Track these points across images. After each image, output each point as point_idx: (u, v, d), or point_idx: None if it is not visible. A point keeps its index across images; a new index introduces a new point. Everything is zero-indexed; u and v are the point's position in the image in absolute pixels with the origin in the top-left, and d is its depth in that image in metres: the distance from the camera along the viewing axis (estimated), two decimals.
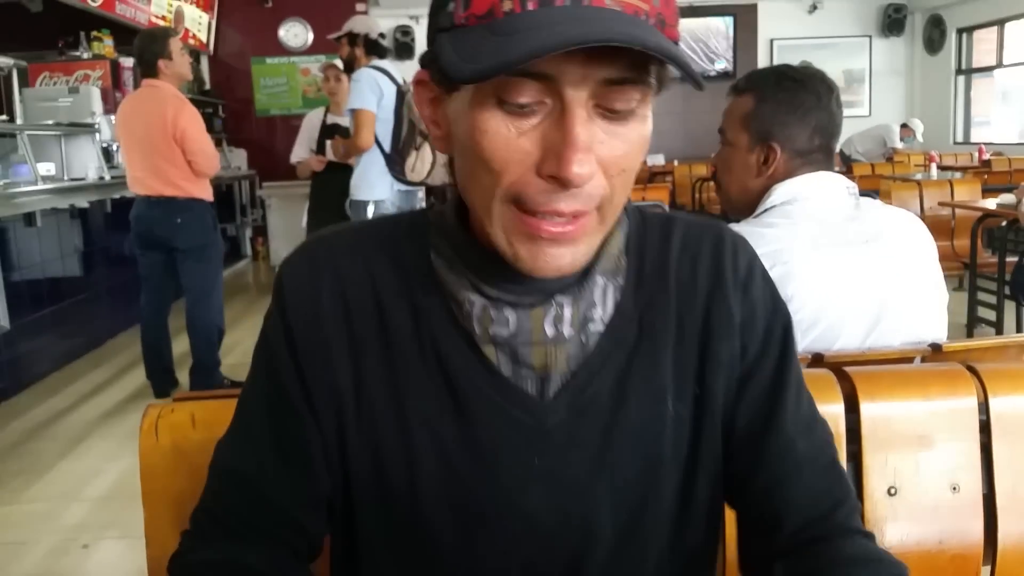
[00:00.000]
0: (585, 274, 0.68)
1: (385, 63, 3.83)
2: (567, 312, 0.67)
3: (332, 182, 4.34)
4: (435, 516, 0.69)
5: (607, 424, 0.69)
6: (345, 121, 4.14)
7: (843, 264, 1.34)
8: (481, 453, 0.68)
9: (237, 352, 4.69)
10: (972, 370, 1.08)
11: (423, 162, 3.77)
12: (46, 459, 3.32)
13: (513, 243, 0.61)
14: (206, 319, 3.91)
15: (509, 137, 0.58)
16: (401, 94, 3.74)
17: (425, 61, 0.65)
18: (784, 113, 1.40)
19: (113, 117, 5.34)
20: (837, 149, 1.50)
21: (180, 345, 4.13)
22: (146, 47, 3.67)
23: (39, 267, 4.45)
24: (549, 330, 0.67)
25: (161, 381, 3.99)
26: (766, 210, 1.41)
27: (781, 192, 1.40)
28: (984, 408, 1.06)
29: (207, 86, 8.55)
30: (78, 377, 4.48)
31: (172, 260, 3.85)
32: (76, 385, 4.33)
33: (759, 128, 1.42)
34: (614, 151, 0.59)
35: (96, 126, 5.25)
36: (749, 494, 0.73)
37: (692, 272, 0.73)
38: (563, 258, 0.61)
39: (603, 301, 0.69)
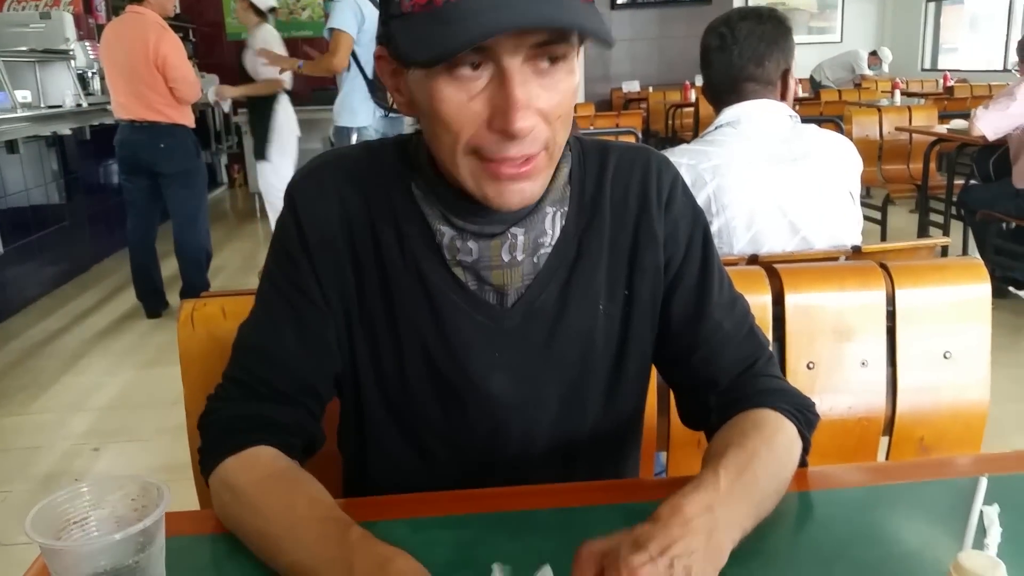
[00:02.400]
0: (536, 206, 0.83)
1: None
2: (520, 240, 0.82)
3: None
4: (420, 397, 0.88)
5: (552, 325, 0.86)
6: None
7: (772, 179, 1.55)
8: (454, 350, 0.85)
9: (223, 276, 4.81)
10: (884, 267, 1.26)
11: None
12: (48, 375, 3.46)
13: (481, 186, 0.75)
14: (194, 243, 4.03)
15: (461, 102, 0.71)
16: None
17: (382, 39, 0.77)
18: (703, 53, 1.66)
19: (87, 44, 5.33)
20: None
21: (167, 268, 4.25)
22: None
23: (23, 195, 4.49)
24: (505, 256, 0.82)
25: (152, 302, 4.13)
26: (717, 127, 1.60)
27: (728, 114, 1.61)
28: (891, 300, 1.24)
29: (177, 10, 8.39)
30: (68, 300, 4.58)
31: (157, 185, 3.94)
32: (67, 308, 4.44)
33: None
34: (551, 102, 0.72)
35: (71, 52, 5.20)
36: (686, 369, 0.92)
37: (624, 197, 0.88)
38: (524, 192, 0.76)
39: (552, 227, 0.84)
